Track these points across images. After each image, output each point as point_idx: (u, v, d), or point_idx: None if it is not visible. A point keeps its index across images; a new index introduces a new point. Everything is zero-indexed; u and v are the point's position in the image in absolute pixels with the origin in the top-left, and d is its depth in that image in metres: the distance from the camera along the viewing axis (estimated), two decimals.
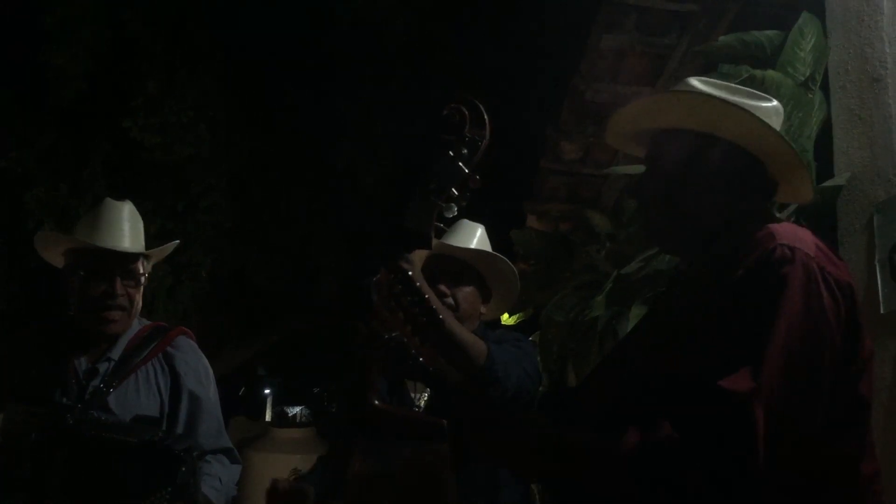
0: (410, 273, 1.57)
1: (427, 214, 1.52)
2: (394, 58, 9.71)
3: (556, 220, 6.59)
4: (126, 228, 2.61)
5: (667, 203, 1.66)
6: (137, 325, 2.69)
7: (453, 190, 1.52)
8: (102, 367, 2.56)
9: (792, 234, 1.47)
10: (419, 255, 2.56)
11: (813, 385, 1.36)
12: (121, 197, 2.70)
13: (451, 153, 1.51)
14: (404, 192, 1.58)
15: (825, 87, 2.90)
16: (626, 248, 4.19)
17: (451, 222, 1.67)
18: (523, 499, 2.50)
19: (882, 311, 2.48)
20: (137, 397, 2.56)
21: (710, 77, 3.23)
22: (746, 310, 1.39)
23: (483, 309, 2.68)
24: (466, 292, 2.60)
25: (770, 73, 2.90)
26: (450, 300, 2.54)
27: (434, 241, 2.51)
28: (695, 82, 1.66)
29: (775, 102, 1.68)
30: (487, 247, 2.71)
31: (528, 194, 6.78)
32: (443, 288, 2.55)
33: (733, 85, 1.70)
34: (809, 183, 1.68)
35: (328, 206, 10.27)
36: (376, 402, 1.85)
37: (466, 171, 1.51)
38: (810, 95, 2.93)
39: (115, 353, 2.60)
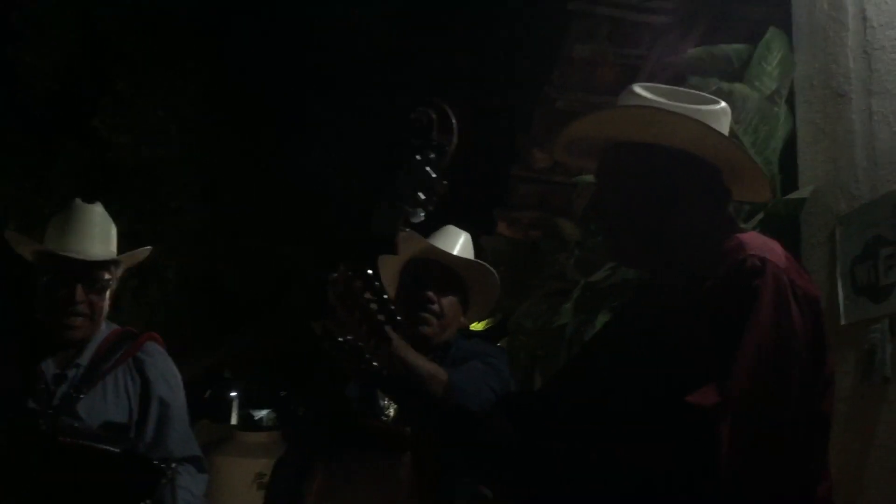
0: (370, 271, 1.51)
1: (393, 220, 1.49)
2: (368, 65, 9.70)
3: (527, 227, 6.61)
4: (96, 233, 2.56)
5: (626, 219, 1.60)
6: (106, 329, 2.63)
7: (420, 195, 1.48)
8: (71, 372, 2.51)
9: (762, 245, 1.45)
10: (394, 260, 2.52)
11: (781, 400, 1.34)
12: (91, 199, 2.63)
13: (418, 157, 1.48)
14: (373, 198, 1.56)
15: (791, 102, 2.94)
16: (594, 256, 4.21)
17: (419, 227, 1.64)
18: None
19: (843, 323, 2.52)
20: (105, 403, 2.50)
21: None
22: (716, 322, 1.37)
23: (462, 319, 2.64)
24: (451, 301, 2.53)
25: (737, 86, 2.93)
26: (436, 307, 2.48)
27: (424, 244, 2.50)
28: (639, 90, 1.61)
29: (722, 104, 1.63)
30: (471, 255, 2.68)
31: (499, 201, 6.79)
32: (430, 295, 2.49)
33: (679, 89, 1.67)
34: (764, 181, 1.65)
35: (299, 210, 10.23)
36: (344, 412, 1.83)
37: (434, 175, 1.48)
38: (776, 109, 2.97)
39: (84, 359, 2.54)
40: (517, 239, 6.47)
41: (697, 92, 1.70)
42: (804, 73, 2.84)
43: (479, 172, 7.63)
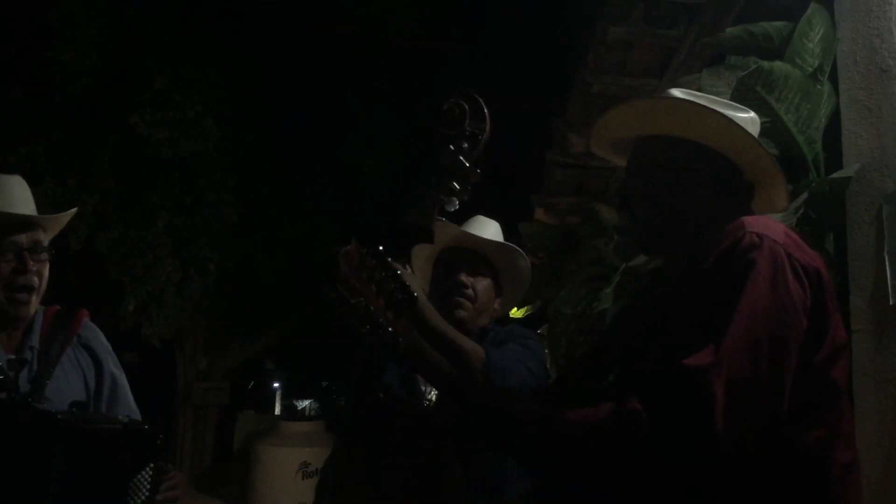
0: (381, 247, 1.56)
1: (429, 209, 1.52)
2: (399, 51, 9.69)
3: (564, 213, 6.58)
4: (19, 194, 2.47)
5: (652, 205, 1.68)
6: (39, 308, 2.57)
7: (454, 184, 1.52)
8: (27, 356, 2.46)
9: (762, 224, 1.51)
10: (425, 251, 2.54)
11: (776, 363, 1.38)
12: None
13: (451, 147, 1.51)
14: (407, 188, 1.58)
15: (833, 79, 2.88)
16: None
17: (452, 216, 1.66)
18: (528, 494, 2.48)
19: (891, 303, 2.46)
20: (68, 382, 2.49)
21: (718, 69, 3.24)
22: (713, 292, 1.44)
23: (496, 304, 2.66)
24: (484, 285, 2.56)
25: (778, 64, 2.87)
26: (469, 291, 2.51)
27: (456, 232, 2.52)
28: (676, 93, 1.69)
29: (752, 113, 1.72)
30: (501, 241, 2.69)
31: (536, 187, 6.77)
32: (463, 278, 2.52)
33: (713, 97, 1.74)
34: (785, 190, 1.72)
35: (334, 201, 10.28)
36: (382, 396, 1.85)
37: (467, 164, 1.51)
38: (818, 87, 2.91)
39: (34, 341, 2.49)
40: (555, 225, 6.44)
41: (732, 102, 1.77)
42: (847, 49, 2.78)
43: (516, 159, 7.61)
